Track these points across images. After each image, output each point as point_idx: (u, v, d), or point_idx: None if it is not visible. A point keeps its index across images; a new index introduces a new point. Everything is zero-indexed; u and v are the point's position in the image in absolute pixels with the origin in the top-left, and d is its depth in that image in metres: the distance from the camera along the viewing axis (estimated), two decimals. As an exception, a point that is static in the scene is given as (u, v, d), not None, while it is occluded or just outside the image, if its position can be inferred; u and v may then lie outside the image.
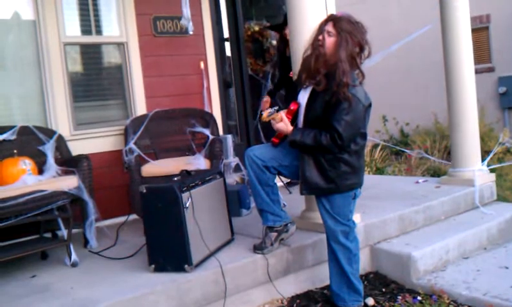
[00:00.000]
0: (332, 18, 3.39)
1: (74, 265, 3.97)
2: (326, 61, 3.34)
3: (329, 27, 3.35)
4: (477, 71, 5.65)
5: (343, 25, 3.32)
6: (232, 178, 5.54)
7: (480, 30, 12.04)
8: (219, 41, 6.51)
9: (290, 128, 3.45)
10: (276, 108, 3.53)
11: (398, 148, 8.82)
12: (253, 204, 4.47)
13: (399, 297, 3.82)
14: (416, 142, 10.22)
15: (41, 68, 5.15)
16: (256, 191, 3.67)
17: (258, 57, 7.07)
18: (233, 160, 5.66)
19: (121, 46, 5.64)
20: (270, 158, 3.61)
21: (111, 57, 5.73)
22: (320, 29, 3.40)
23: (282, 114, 3.48)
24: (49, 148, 4.68)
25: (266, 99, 5.31)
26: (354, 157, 3.39)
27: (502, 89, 11.85)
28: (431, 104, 10.96)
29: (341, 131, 3.23)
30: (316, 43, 3.38)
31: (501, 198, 5.69)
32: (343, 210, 3.47)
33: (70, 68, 5.34)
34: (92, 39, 5.52)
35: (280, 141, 3.64)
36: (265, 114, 3.47)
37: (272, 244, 3.76)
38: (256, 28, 7.02)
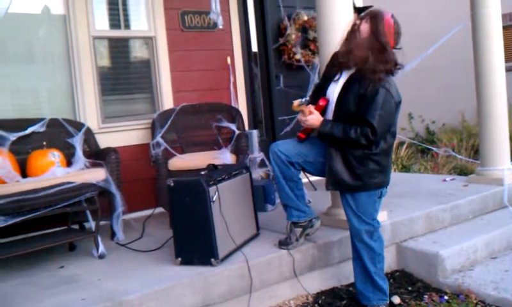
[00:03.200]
0: (371, 10, 3.39)
1: (101, 256, 4.01)
2: (359, 45, 3.31)
3: (367, 17, 3.35)
4: (506, 69, 5.56)
5: (380, 16, 3.32)
6: (257, 173, 5.54)
7: (510, 27, 11.83)
8: (246, 36, 6.51)
9: (321, 119, 3.43)
10: (307, 99, 3.51)
11: (425, 145, 8.72)
12: (278, 200, 4.47)
13: (426, 296, 3.78)
14: (442, 140, 10.11)
15: (70, 62, 5.22)
16: (280, 186, 3.66)
17: (304, 47, 6.97)
18: (258, 155, 5.66)
19: (149, 40, 5.68)
20: (295, 153, 3.59)
21: (139, 51, 5.78)
22: (359, 17, 3.41)
23: (311, 108, 3.46)
24: (78, 141, 4.75)
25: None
26: (383, 155, 3.36)
27: (532, 88, 11.64)
28: (458, 102, 10.82)
29: (376, 125, 3.20)
30: (352, 27, 3.38)
31: (530, 198, 5.59)
32: (368, 209, 3.44)
33: (99, 62, 5.40)
34: (121, 33, 5.57)
35: (306, 136, 3.62)
36: (295, 102, 3.45)
37: (297, 240, 3.76)
38: (305, 17, 6.94)
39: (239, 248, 3.74)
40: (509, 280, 3.83)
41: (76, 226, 4.46)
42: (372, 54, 3.26)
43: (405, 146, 8.94)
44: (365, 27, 3.33)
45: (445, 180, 5.90)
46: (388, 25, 3.33)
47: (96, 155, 4.64)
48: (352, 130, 3.26)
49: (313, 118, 3.44)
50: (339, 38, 3.57)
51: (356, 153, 3.33)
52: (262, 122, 6.86)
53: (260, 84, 6.83)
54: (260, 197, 4.95)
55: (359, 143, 3.27)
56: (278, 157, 3.60)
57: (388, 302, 3.58)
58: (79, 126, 4.92)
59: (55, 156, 4.42)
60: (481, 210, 4.99)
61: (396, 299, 3.72)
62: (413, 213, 4.49)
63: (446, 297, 3.69)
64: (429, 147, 8.57)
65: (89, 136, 4.93)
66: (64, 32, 5.21)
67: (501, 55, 5.39)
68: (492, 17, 5.34)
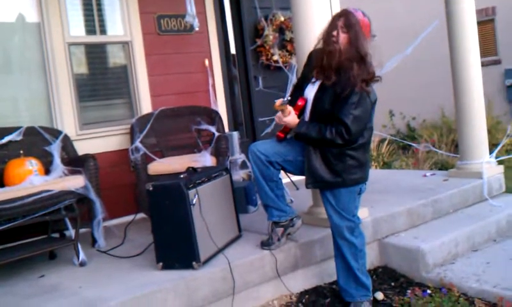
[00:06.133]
0: (345, 13, 3.37)
1: (82, 264, 3.97)
2: (340, 56, 3.30)
3: (342, 23, 3.33)
4: (483, 64, 5.62)
5: (356, 22, 3.31)
6: (238, 175, 5.53)
7: (486, 23, 11.99)
8: (223, 37, 6.49)
9: (297, 120, 3.43)
10: (289, 98, 3.51)
11: (405, 142, 8.78)
12: (260, 201, 4.47)
13: (409, 291, 3.79)
14: (423, 136, 10.19)
15: (46, 69, 5.16)
16: (260, 186, 3.65)
17: (282, 48, 6.97)
18: (239, 157, 5.65)
19: (125, 45, 5.64)
20: (274, 153, 3.58)
21: (115, 56, 5.73)
22: (334, 24, 3.37)
23: (291, 108, 3.46)
24: (55, 148, 4.69)
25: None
26: (360, 151, 3.37)
27: (509, 82, 11.81)
28: (438, 98, 10.91)
29: (349, 125, 3.21)
30: (330, 39, 3.35)
31: (510, 190, 5.63)
32: (348, 205, 3.45)
33: (75, 68, 5.35)
34: (96, 39, 5.52)
35: (285, 135, 3.62)
36: (278, 102, 3.42)
37: (279, 240, 3.75)
38: (282, 18, 6.95)
39: (221, 250, 3.72)
40: (490, 272, 3.87)
41: (56, 235, 4.40)
42: (354, 64, 3.26)
43: (386, 142, 8.99)
44: (343, 38, 3.32)
45: (425, 175, 5.93)
46: (364, 26, 3.35)
47: (75, 162, 4.58)
48: (328, 131, 3.27)
49: (290, 118, 3.44)
50: (315, 37, 3.57)
51: (334, 150, 3.34)
52: (243, 124, 6.85)
53: (239, 86, 6.82)
54: (242, 198, 4.94)
55: (335, 143, 3.29)
56: (257, 157, 3.59)
57: (372, 298, 3.60)
58: (56, 133, 4.86)
59: (32, 164, 4.36)
60: (462, 204, 5.02)
61: (379, 295, 3.73)
62: (394, 209, 4.51)
63: (429, 291, 3.71)
64: (410, 143, 8.63)
65: (67, 143, 4.87)
66: (39, 40, 5.15)
67: (476, 50, 5.44)
68: (466, 12, 5.38)
